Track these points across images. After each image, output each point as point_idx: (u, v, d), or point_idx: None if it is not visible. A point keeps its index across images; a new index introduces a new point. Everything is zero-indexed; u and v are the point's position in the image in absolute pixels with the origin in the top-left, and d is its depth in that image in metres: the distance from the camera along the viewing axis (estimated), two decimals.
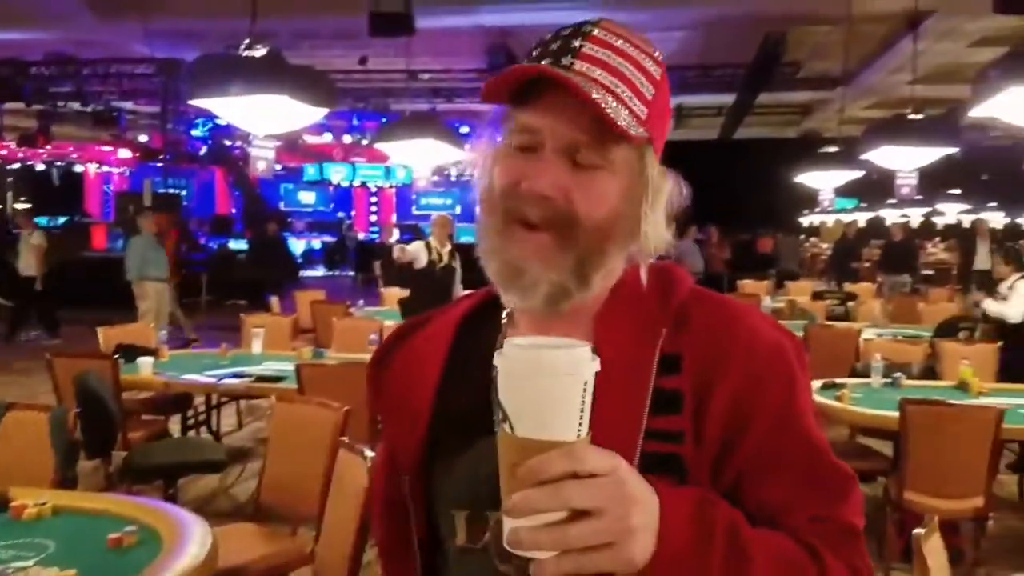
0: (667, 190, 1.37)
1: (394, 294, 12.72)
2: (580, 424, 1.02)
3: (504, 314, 1.44)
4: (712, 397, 1.29)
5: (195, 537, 3.32)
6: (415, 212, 32.81)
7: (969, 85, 8.55)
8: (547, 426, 1.01)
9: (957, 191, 35.79)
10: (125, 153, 29.35)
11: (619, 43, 1.32)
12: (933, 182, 23.67)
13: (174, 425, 8.20)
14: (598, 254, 1.32)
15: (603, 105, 1.24)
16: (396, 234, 19.52)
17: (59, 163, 30.34)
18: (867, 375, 7.38)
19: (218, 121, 22.18)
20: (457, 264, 10.37)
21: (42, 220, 28.82)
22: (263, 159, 10.79)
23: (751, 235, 22.78)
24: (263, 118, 8.78)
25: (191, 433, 8.52)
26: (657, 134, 1.35)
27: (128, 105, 23.20)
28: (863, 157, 13.31)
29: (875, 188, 26.19)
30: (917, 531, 3.01)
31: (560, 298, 1.31)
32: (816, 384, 6.40)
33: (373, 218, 35.16)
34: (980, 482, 5.48)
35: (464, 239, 13.51)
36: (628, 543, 1.04)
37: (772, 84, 18.83)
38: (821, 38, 16.87)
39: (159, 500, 4.75)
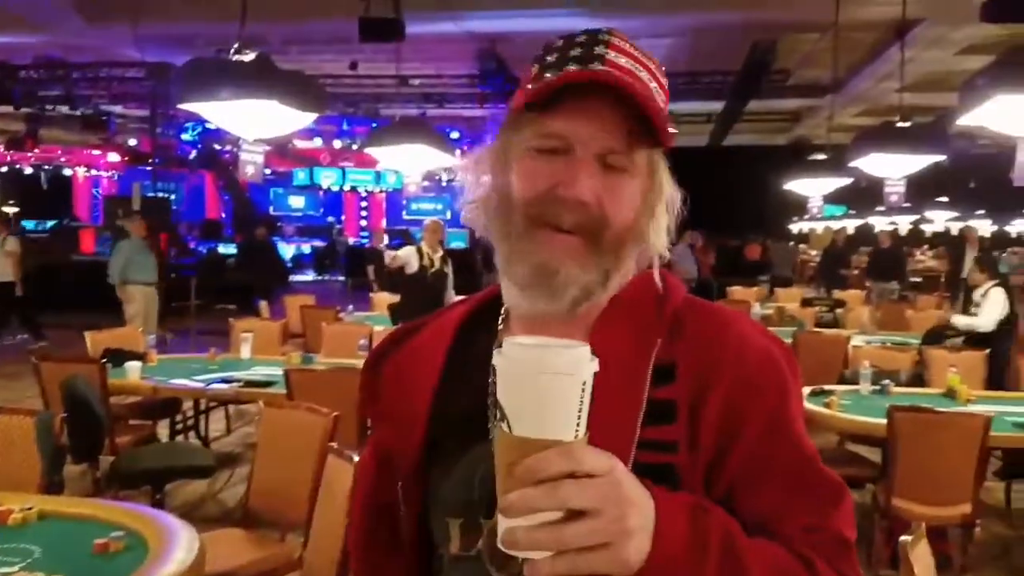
0: (672, 195, 1.38)
1: (384, 299, 12.71)
2: (578, 424, 1.02)
3: (501, 318, 1.45)
4: (705, 404, 1.29)
5: (182, 543, 3.32)
6: (405, 217, 32.81)
7: (956, 93, 8.56)
8: (545, 425, 1.01)
9: (945, 199, 35.84)
10: (114, 157, 29.38)
11: (635, 51, 1.33)
12: (921, 190, 23.72)
13: (162, 430, 8.19)
14: (618, 258, 1.33)
15: (655, 110, 1.26)
16: (386, 239, 19.51)
17: (48, 167, 30.31)
18: (855, 382, 7.40)
19: (208, 125, 22.12)
20: (449, 270, 10.38)
21: (30, 224, 28.85)
22: (252, 163, 10.74)
23: (740, 241, 22.78)
24: (252, 122, 8.76)
25: (179, 438, 8.51)
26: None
27: (117, 109, 23.17)
28: (852, 164, 13.32)
29: (864, 195, 26.23)
30: (904, 538, 3.01)
31: (583, 300, 1.32)
32: (805, 391, 6.40)
33: (363, 223, 35.18)
34: (967, 489, 5.50)
35: (455, 244, 13.51)
36: (624, 544, 1.04)
37: (761, 91, 18.88)
38: (810, 46, 16.91)
39: (146, 505, 4.75)
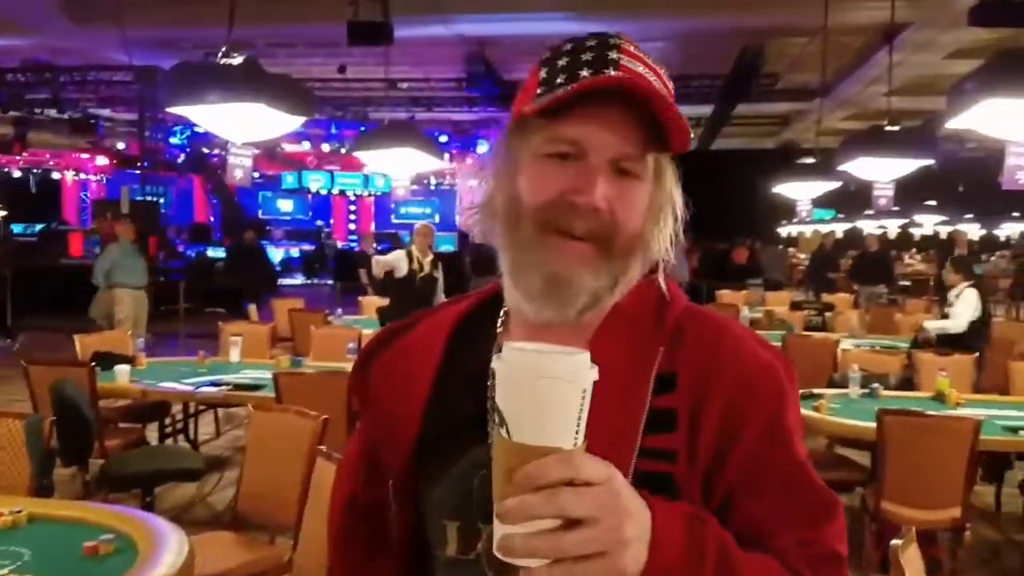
0: (678, 199, 1.38)
1: (373, 303, 12.70)
2: (577, 432, 1.02)
3: (500, 321, 1.44)
4: (705, 413, 1.29)
5: (172, 546, 3.31)
6: (394, 221, 32.77)
7: (945, 97, 8.57)
8: (545, 432, 1.00)
9: (933, 203, 35.97)
10: (103, 160, 29.31)
11: (644, 56, 1.32)
12: (910, 193, 23.76)
13: (151, 433, 8.17)
14: (627, 264, 1.32)
15: (675, 116, 1.25)
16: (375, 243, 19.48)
17: (36, 170, 30.26)
18: (845, 385, 7.40)
19: (196, 129, 22.13)
20: (439, 274, 10.37)
21: (18, 227, 28.79)
22: (241, 167, 10.72)
23: (729, 245, 22.80)
24: (240, 126, 8.75)
25: (168, 441, 8.49)
26: None
27: (105, 112, 23.15)
28: (840, 168, 13.32)
29: (853, 199, 26.25)
30: (895, 541, 3.02)
31: (591, 308, 1.31)
32: None
33: (352, 227, 35.16)
34: (957, 493, 5.50)
35: (444, 248, 13.49)
36: (621, 554, 1.04)
37: (750, 95, 18.91)
38: (798, 50, 16.94)
39: (136, 508, 4.73)
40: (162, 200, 29.27)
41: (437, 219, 30.49)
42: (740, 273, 19.05)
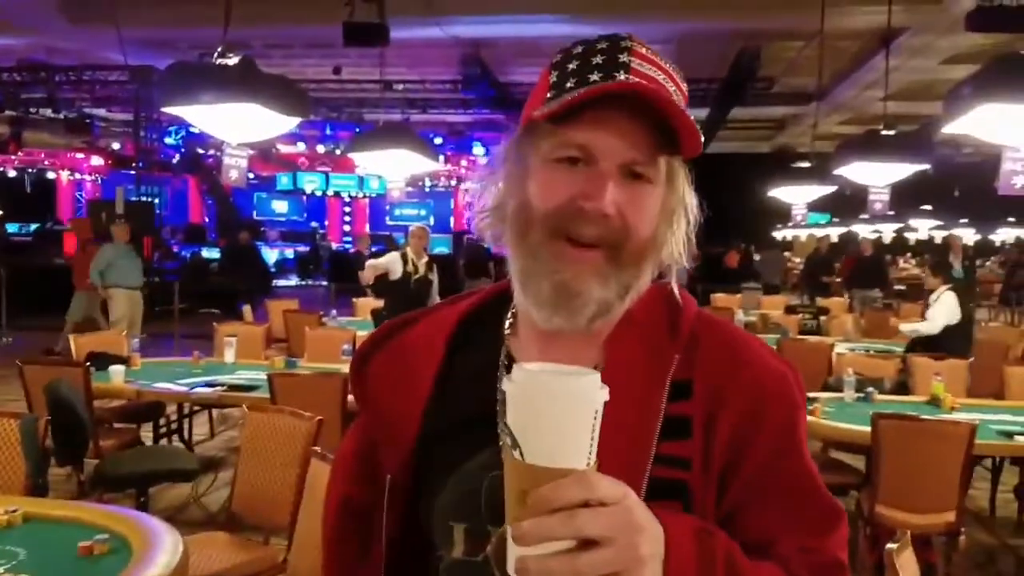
0: (691, 202, 1.37)
1: (368, 304, 12.69)
2: (590, 452, 1.01)
3: (507, 325, 1.43)
4: (719, 421, 1.29)
5: (166, 546, 3.30)
6: (389, 222, 32.79)
7: (941, 102, 8.58)
8: (558, 454, 1.00)
9: (929, 207, 35.99)
10: (98, 160, 29.28)
11: (655, 57, 1.32)
12: (905, 198, 23.78)
13: (146, 434, 8.17)
14: (639, 271, 1.31)
15: (685, 121, 1.24)
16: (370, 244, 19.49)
17: (31, 170, 30.23)
18: (840, 389, 7.41)
19: (192, 129, 22.11)
20: (434, 276, 10.36)
21: (13, 227, 28.75)
22: (236, 168, 10.69)
23: (723, 248, 22.81)
24: (236, 126, 8.73)
25: (163, 442, 8.48)
26: None
27: (101, 112, 23.14)
28: (836, 172, 13.31)
29: (848, 203, 26.30)
30: (889, 545, 3.01)
31: (600, 316, 1.30)
32: None
33: (347, 228, 35.15)
34: (952, 497, 5.50)
35: (438, 250, 13.48)
36: (637, 572, 1.04)
37: (746, 99, 18.92)
38: (795, 54, 16.98)
39: (130, 509, 4.73)
40: (157, 200, 29.28)
41: (432, 221, 30.50)
42: (731, 277, 19.07)
